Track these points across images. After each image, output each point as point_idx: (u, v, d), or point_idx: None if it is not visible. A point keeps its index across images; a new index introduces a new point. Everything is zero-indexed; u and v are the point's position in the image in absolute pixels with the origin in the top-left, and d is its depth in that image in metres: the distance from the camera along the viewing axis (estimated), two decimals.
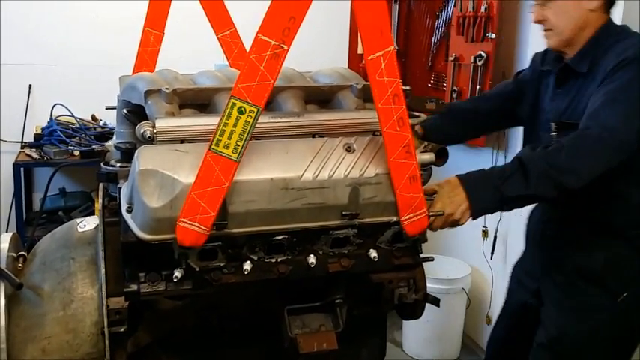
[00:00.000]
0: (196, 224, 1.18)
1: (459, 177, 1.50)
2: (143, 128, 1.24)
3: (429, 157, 1.35)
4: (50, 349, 1.30)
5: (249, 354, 1.49)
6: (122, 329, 1.28)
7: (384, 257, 1.37)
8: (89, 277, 1.36)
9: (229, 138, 1.14)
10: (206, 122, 1.27)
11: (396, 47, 1.12)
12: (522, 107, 1.95)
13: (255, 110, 1.13)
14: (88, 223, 1.48)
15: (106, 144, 1.51)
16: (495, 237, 3.05)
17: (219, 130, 1.14)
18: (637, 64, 1.60)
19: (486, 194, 1.49)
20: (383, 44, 1.15)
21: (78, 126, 3.44)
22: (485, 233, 3.12)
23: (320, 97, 1.45)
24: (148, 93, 1.31)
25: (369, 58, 1.16)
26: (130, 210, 1.22)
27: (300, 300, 1.42)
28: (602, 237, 1.76)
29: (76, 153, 3.34)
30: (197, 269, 1.25)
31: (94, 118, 3.56)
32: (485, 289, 3.23)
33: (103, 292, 1.29)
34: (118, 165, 1.39)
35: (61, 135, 3.36)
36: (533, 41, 2.53)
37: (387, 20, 1.14)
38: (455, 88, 3.14)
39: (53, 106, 3.40)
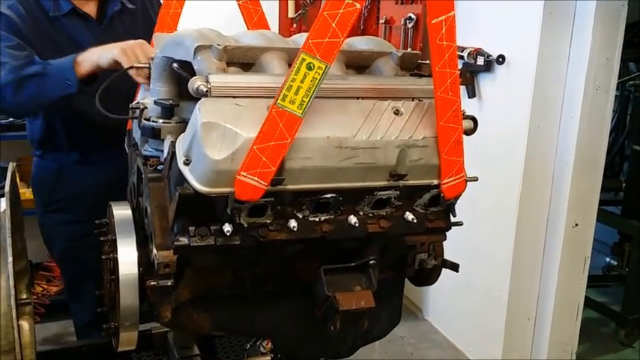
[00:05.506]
0: (255, 178, 1.19)
1: None
2: (197, 83, 1.23)
3: (469, 123, 1.40)
4: None
5: (279, 313, 1.51)
6: (169, 283, 1.28)
7: (419, 220, 1.42)
8: None
9: (295, 93, 1.16)
10: (257, 80, 1.29)
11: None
12: None
13: (324, 67, 1.15)
14: None
15: (141, 100, 1.49)
16: None
17: (286, 85, 1.15)
18: None
19: None
20: (446, 9, 1.19)
21: None
22: None
23: (359, 62, 1.48)
24: (198, 49, 1.30)
25: (433, 21, 1.19)
26: (187, 162, 1.22)
27: (331, 261, 1.44)
28: None
29: None
30: (245, 225, 1.26)
31: None
32: None
33: (11, 282, 1.24)
34: (161, 121, 1.39)
35: None
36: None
37: None
38: None
39: None
